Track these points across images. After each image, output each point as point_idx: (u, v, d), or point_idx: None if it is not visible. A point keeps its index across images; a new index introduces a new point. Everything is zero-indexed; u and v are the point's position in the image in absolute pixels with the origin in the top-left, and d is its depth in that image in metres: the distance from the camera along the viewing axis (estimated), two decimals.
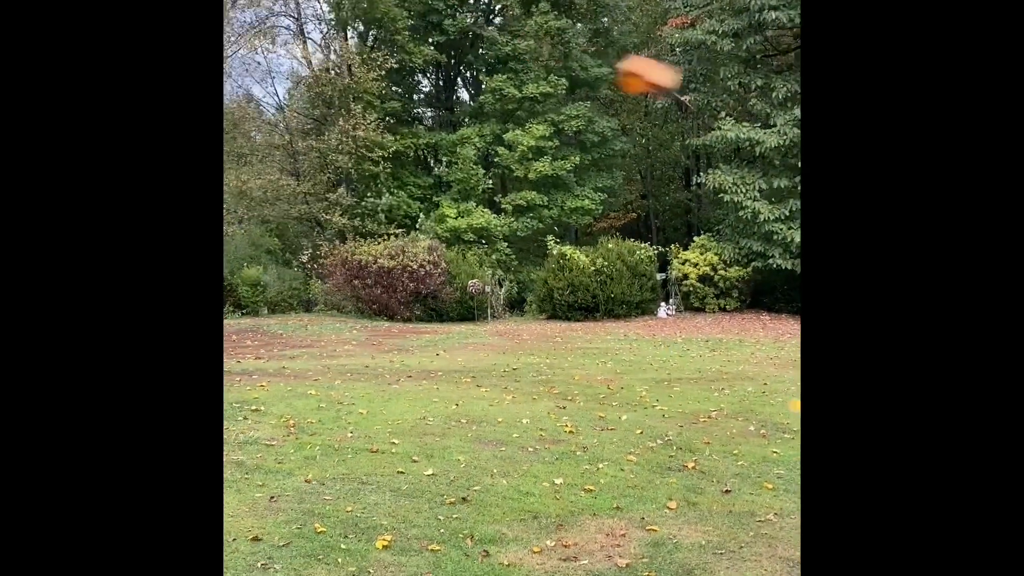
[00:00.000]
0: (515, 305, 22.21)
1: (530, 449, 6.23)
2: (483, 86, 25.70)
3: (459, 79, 29.36)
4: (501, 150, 23.89)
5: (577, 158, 23.92)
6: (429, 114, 28.88)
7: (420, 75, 28.11)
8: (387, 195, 22.89)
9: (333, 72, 23.72)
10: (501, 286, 21.33)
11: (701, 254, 20.27)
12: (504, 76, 24.25)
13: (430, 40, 24.89)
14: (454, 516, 4.64)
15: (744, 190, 19.10)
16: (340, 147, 21.81)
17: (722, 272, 19.89)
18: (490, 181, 24.26)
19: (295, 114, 25.83)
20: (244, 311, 21.56)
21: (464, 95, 29.93)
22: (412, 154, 25.16)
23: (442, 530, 4.41)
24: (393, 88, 25.11)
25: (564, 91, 24.46)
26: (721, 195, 19.77)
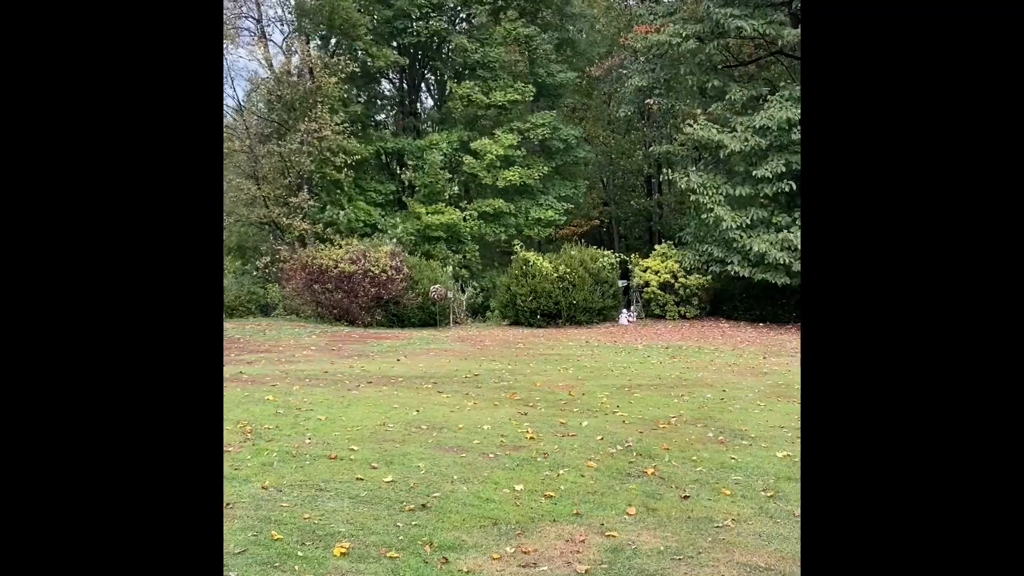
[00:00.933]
0: (478, 311, 22.16)
1: (491, 455, 6.21)
2: (448, 91, 25.67)
3: (423, 84, 29.29)
4: (468, 158, 23.88)
5: (545, 167, 24.02)
6: (392, 120, 28.74)
7: (383, 80, 27.98)
8: (344, 210, 22.71)
9: (295, 75, 23.51)
10: (464, 292, 21.26)
11: (662, 262, 20.47)
12: (472, 83, 24.28)
13: (394, 44, 24.80)
14: (413, 523, 4.60)
15: (710, 193, 19.33)
16: (303, 147, 21.59)
17: (682, 280, 20.10)
18: (456, 187, 24.24)
19: (255, 116, 25.49)
20: None
21: (428, 101, 29.89)
22: (375, 160, 25.00)
23: (401, 537, 4.37)
24: (356, 92, 24.96)
25: (531, 98, 24.56)
26: (690, 194, 20.00)
